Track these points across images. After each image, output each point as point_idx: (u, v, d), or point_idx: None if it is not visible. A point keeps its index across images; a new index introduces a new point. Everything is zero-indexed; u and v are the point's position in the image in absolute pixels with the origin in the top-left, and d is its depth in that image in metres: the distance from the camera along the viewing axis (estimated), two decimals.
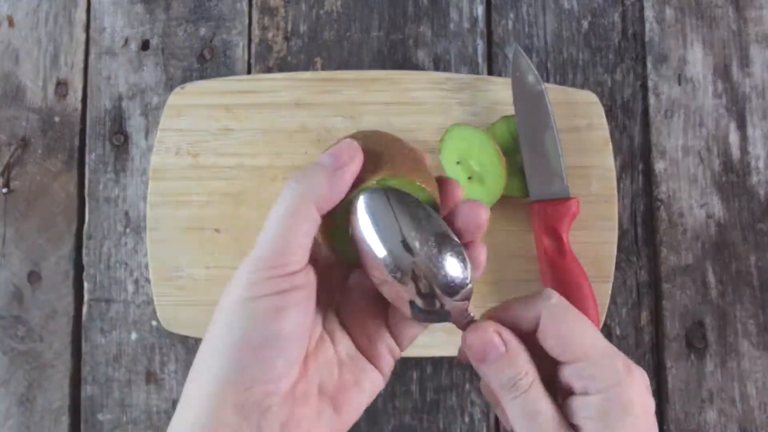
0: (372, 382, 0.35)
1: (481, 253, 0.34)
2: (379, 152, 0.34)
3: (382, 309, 0.35)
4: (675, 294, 0.55)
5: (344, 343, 0.35)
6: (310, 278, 0.32)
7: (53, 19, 0.59)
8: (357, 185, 0.33)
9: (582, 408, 0.31)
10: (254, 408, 0.30)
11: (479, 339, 0.32)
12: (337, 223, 0.34)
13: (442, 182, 0.35)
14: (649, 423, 0.31)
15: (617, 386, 0.30)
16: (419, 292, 0.32)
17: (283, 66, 0.58)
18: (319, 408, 0.33)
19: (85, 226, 0.57)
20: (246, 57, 0.59)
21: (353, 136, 0.35)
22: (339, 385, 0.34)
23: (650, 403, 0.31)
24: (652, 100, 0.58)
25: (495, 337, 0.32)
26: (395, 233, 0.32)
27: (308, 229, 0.31)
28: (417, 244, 0.31)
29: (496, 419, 0.55)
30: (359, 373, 0.35)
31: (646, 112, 0.58)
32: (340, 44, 0.59)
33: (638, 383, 0.31)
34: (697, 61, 0.58)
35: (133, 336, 0.56)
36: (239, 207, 0.55)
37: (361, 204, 0.32)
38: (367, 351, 0.35)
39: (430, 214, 0.32)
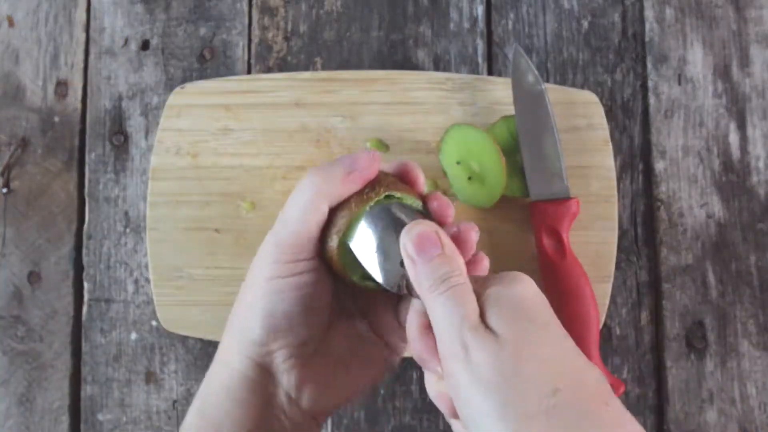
0: (385, 358, 0.39)
1: (484, 261, 0.37)
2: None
3: (391, 301, 0.39)
4: (675, 294, 0.55)
5: (362, 325, 0.39)
6: (320, 263, 0.36)
7: (53, 19, 0.59)
8: (360, 203, 0.36)
9: (488, 307, 0.33)
10: (277, 366, 0.36)
11: (421, 231, 0.34)
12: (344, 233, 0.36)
13: (429, 198, 0.38)
14: (550, 313, 0.33)
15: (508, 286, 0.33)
16: (406, 289, 0.35)
17: (283, 66, 0.58)
18: (334, 371, 0.38)
19: (85, 226, 0.57)
20: (246, 57, 0.59)
21: None
22: (354, 355, 0.38)
23: (541, 296, 0.34)
24: (652, 100, 0.58)
25: (434, 235, 0.34)
26: (394, 252, 0.35)
27: (319, 221, 0.36)
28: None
29: None
30: (373, 348, 0.39)
31: (646, 112, 0.58)
32: (340, 44, 0.59)
33: (523, 280, 0.33)
34: (697, 61, 0.58)
35: (133, 336, 0.56)
36: (239, 207, 0.55)
37: (369, 217, 0.36)
38: (381, 335, 0.39)
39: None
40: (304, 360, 0.37)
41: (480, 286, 0.33)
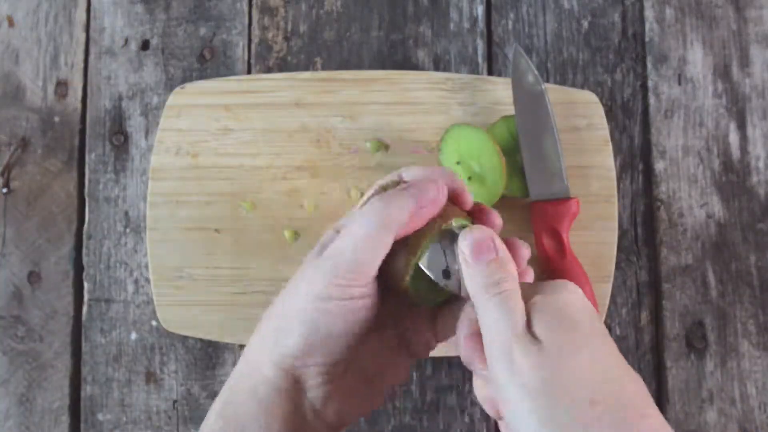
0: (405, 366, 0.40)
1: (530, 272, 0.39)
2: None
3: (430, 313, 0.40)
4: (675, 294, 0.55)
5: (391, 336, 0.39)
6: (374, 288, 0.36)
7: (53, 19, 0.59)
8: (431, 230, 0.36)
9: (534, 314, 0.34)
10: (306, 379, 0.36)
11: (478, 237, 0.35)
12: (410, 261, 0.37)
13: (478, 213, 0.39)
14: (594, 321, 0.34)
15: (553, 294, 0.34)
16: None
17: (283, 66, 0.58)
18: (363, 385, 0.38)
19: (85, 226, 0.57)
20: (246, 57, 0.59)
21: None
22: (381, 368, 0.39)
23: (587, 305, 0.34)
24: (652, 100, 0.58)
25: (490, 240, 0.35)
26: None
27: (383, 252, 0.35)
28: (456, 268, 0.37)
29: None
30: (398, 358, 0.40)
31: (646, 112, 0.58)
32: (340, 44, 0.59)
33: (570, 289, 0.35)
34: (697, 61, 0.58)
35: (133, 336, 0.56)
36: (239, 207, 0.55)
37: (439, 243, 0.37)
38: (408, 344, 0.40)
39: None
40: (335, 377, 0.37)
41: (528, 293, 0.34)
